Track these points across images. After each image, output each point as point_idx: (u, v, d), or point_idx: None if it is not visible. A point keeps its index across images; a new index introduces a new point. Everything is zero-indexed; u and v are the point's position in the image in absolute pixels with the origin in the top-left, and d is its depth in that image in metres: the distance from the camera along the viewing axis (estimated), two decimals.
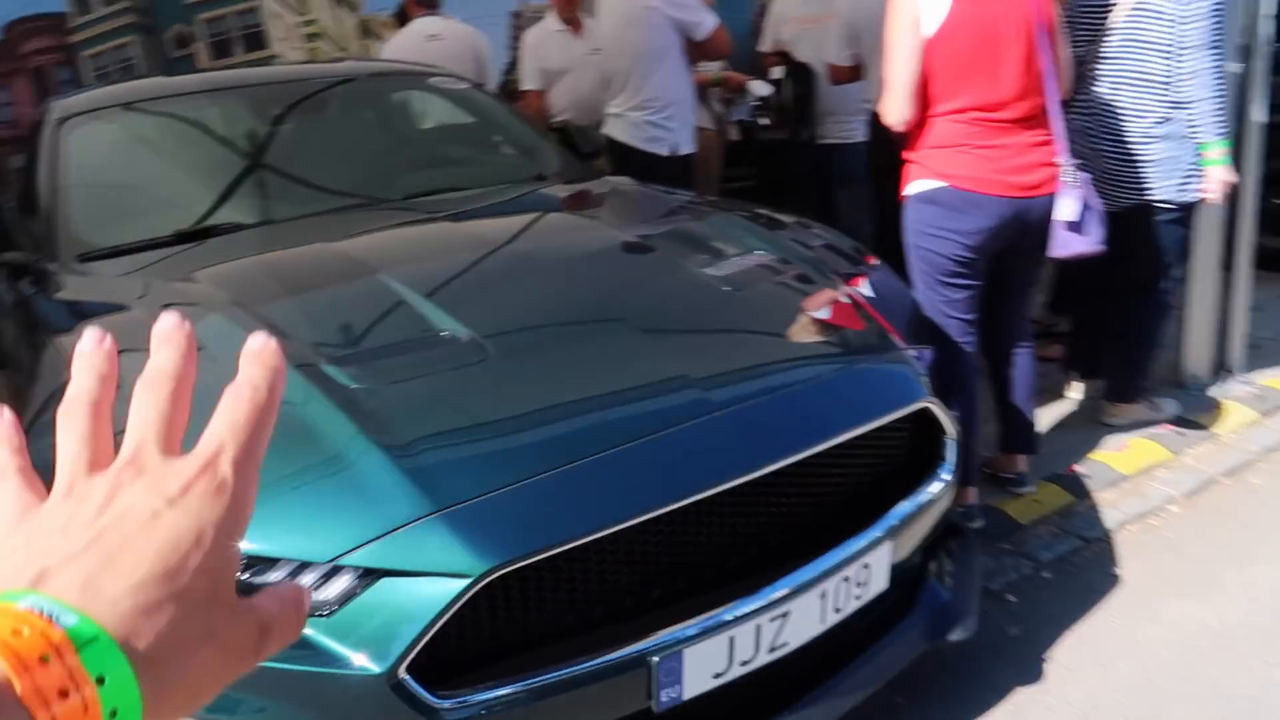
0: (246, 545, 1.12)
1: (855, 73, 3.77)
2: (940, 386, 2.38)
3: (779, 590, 1.59)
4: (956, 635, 1.94)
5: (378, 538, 1.38)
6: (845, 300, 2.03)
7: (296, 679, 1.35)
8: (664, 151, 3.87)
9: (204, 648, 0.36)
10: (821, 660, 1.77)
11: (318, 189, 2.79)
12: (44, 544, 0.36)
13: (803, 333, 1.95)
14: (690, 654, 1.51)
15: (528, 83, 4.31)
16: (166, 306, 1.84)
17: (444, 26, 5.07)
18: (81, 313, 2.11)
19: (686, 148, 3.92)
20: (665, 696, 1.51)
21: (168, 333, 0.42)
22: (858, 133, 3.92)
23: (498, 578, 1.38)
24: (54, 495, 0.39)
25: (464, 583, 1.35)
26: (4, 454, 0.41)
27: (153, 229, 2.51)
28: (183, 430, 0.40)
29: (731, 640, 1.55)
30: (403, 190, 2.84)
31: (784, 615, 1.60)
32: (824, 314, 1.99)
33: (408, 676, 1.35)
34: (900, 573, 1.90)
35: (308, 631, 1.36)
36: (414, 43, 5.08)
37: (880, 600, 1.86)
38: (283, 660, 1.35)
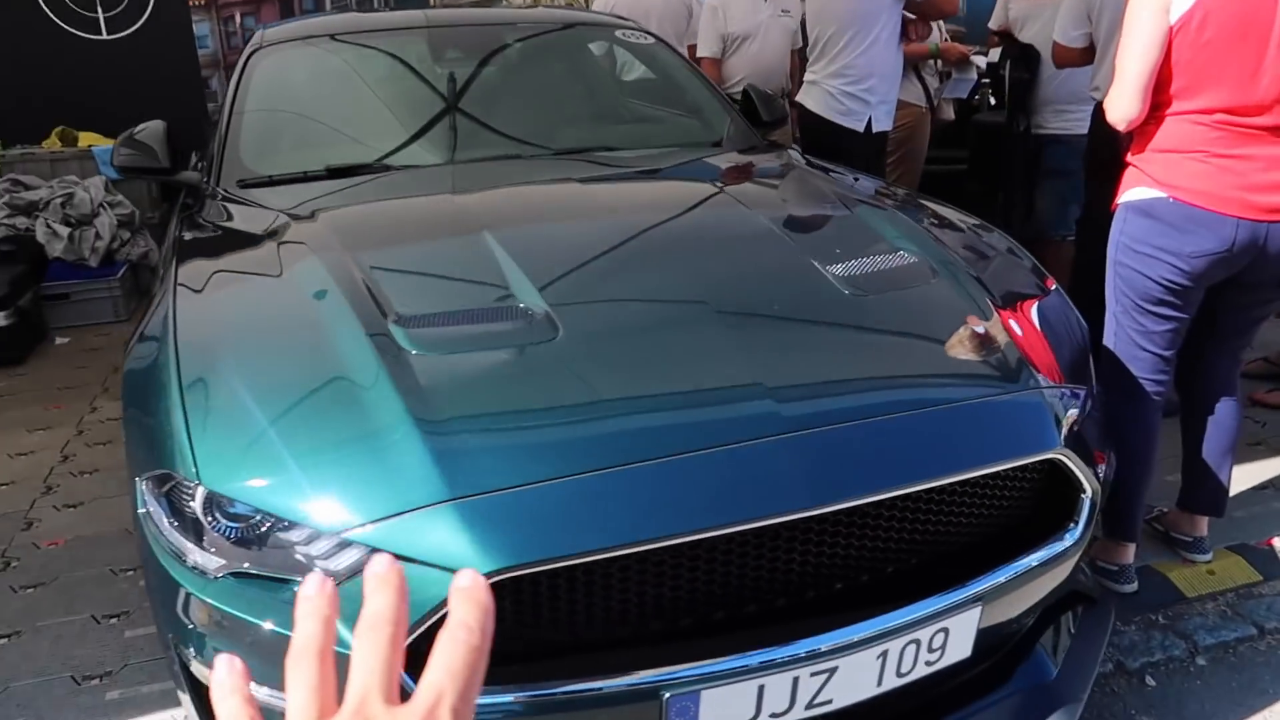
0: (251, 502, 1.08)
1: (1085, 56, 3.31)
2: (1113, 425, 2.07)
3: (824, 643, 1.40)
4: (1060, 718, 1.68)
5: (388, 518, 1.32)
6: (984, 325, 1.75)
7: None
8: (857, 127, 3.61)
9: None
10: None
11: (473, 137, 2.77)
12: None
13: (919, 354, 1.71)
14: (709, 695, 1.36)
15: (705, 49, 4.10)
16: (280, 245, 1.88)
17: None
18: (206, 241, 2.19)
19: (883, 124, 3.64)
20: None
21: (383, 575, 0.44)
22: (1078, 125, 3.47)
23: (508, 580, 1.30)
24: None
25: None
26: (235, 704, 0.43)
27: (307, 162, 2.58)
28: (399, 678, 0.42)
29: (761, 688, 1.39)
30: (562, 144, 2.78)
31: (830, 671, 1.42)
32: (956, 337, 1.73)
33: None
34: (995, 638, 1.66)
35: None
36: None
37: (966, 665, 1.64)
38: (277, 623, 1.33)
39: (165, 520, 1.46)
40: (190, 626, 1.45)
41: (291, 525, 1.36)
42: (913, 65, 4.31)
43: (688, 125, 3.13)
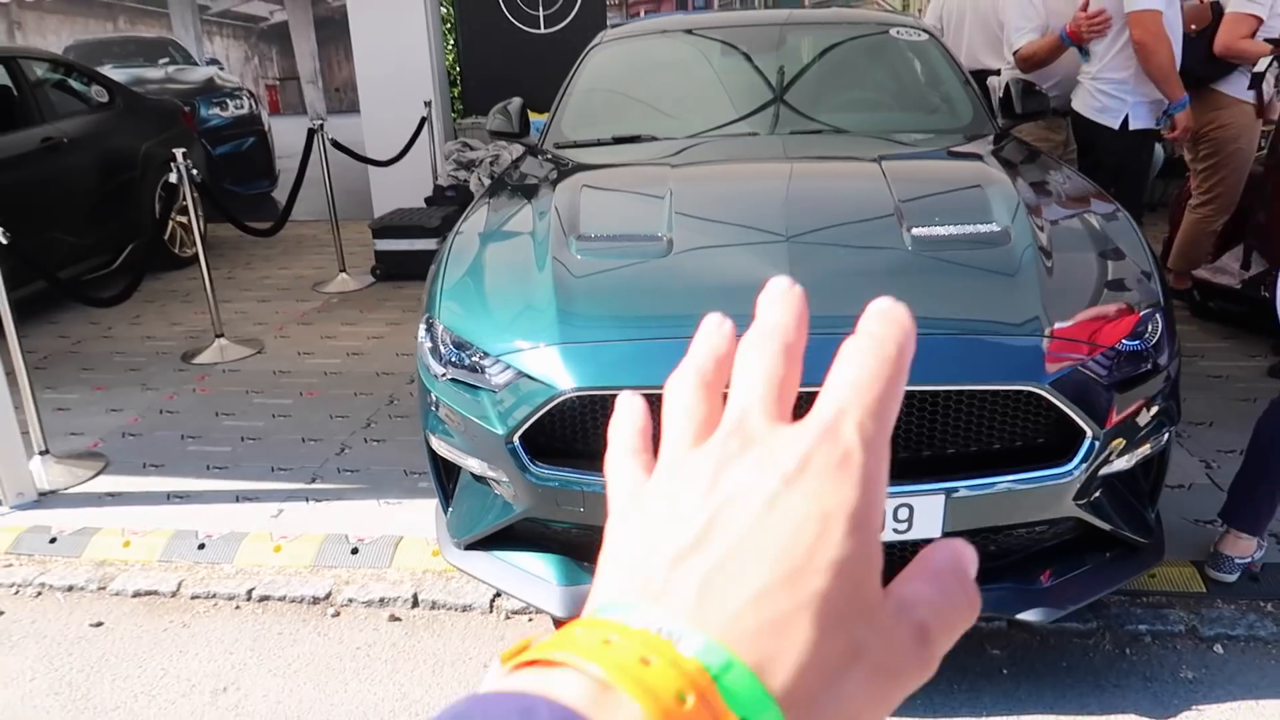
0: (458, 333, 1.96)
1: None
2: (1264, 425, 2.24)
3: None
4: (1028, 616, 2.01)
5: (526, 348, 2.10)
6: (1016, 284, 2.09)
7: (472, 424, 2.16)
8: (1112, 124, 3.68)
9: (852, 671, 0.28)
10: None
11: (729, 113, 3.44)
12: (649, 536, 0.30)
13: (947, 295, 2.10)
14: None
15: (1017, 38, 4.12)
16: (542, 184, 2.75)
17: None
18: (511, 179, 3.14)
19: (1140, 122, 3.66)
20: None
21: (779, 293, 0.35)
22: None
23: (589, 397, 2.01)
24: (657, 471, 0.34)
25: (553, 392, 2.00)
26: (630, 434, 0.38)
27: (601, 132, 3.44)
28: (794, 394, 0.33)
29: None
30: (806, 125, 3.35)
31: None
32: (986, 289, 2.10)
33: (517, 444, 2.07)
34: (992, 538, 2.04)
35: (483, 394, 2.14)
36: None
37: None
38: (468, 410, 2.17)
39: (425, 345, 2.38)
40: (430, 411, 2.35)
41: (474, 348, 2.20)
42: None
43: (933, 113, 3.52)
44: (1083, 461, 1.97)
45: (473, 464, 2.23)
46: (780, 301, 0.35)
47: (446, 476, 2.40)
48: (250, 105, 7.92)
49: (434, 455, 2.40)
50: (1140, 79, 3.64)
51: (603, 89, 3.76)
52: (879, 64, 3.78)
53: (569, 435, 2.09)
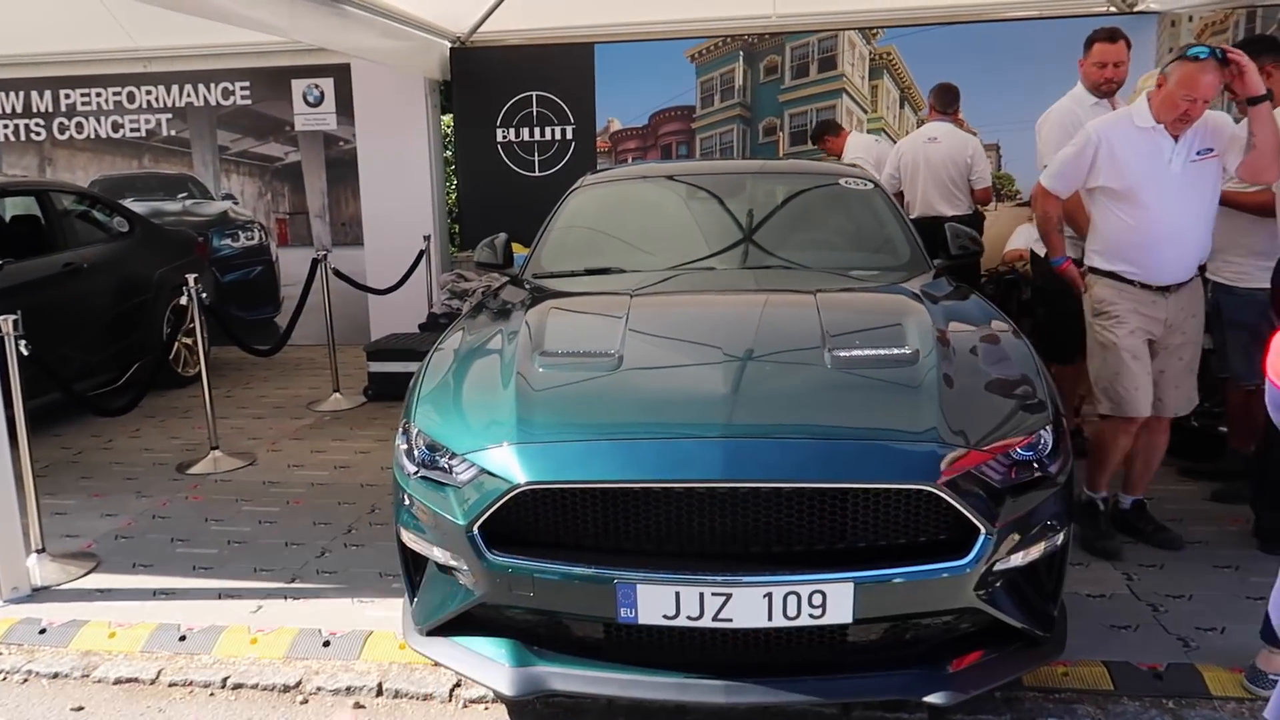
0: (431, 435, 2.22)
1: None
2: None
3: (719, 576, 2.16)
4: (934, 699, 2.20)
5: (489, 448, 2.36)
6: (917, 398, 2.39)
7: (438, 516, 2.40)
8: (1041, 253, 4.11)
9: None
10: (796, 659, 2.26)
11: (697, 251, 3.80)
12: None
13: (856, 406, 2.39)
14: (643, 589, 2.19)
15: (1054, 179, 3.65)
16: (515, 309, 3.07)
17: (945, 131, 5.78)
18: (489, 303, 3.48)
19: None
20: (623, 614, 2.22)
21: None
22: (1252, 279, 3.62)
23: (540, 491, 2.26)
24: None
25: (509, 485, 2.26)
26: None
27: (575, 264, 3.81)
28: None
29: (677, 595, 2.18)
30: (755, 260, 3.72)
31: (725, 596, 2.16)
32: (890, 402, 2.40)
33: (476, 533, 2.31)
34: (899, 623, 2.25)
35: (449, 490, 2.40)
36: (916, 142, 5.90)
37: (873, 646, 2.26)
38: (434, 504, 2.41)
39: (401, 447, 2.64)
40: (402, 506, 2.58)
41: (445, 449, 2.46)
42: None
43: (875, 253, 3.90)
44: (978, 557, 2.20)
45: (437, 554, 2.45)
46: None
47: (414, 569, 2.62)
48: (260, 237, 8.41)
49: (403, 549, 2.62)
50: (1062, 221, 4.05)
51: (580, 226, 4.15)
52: (830, 209, 4.19)
53: (523, 526, 2.33)
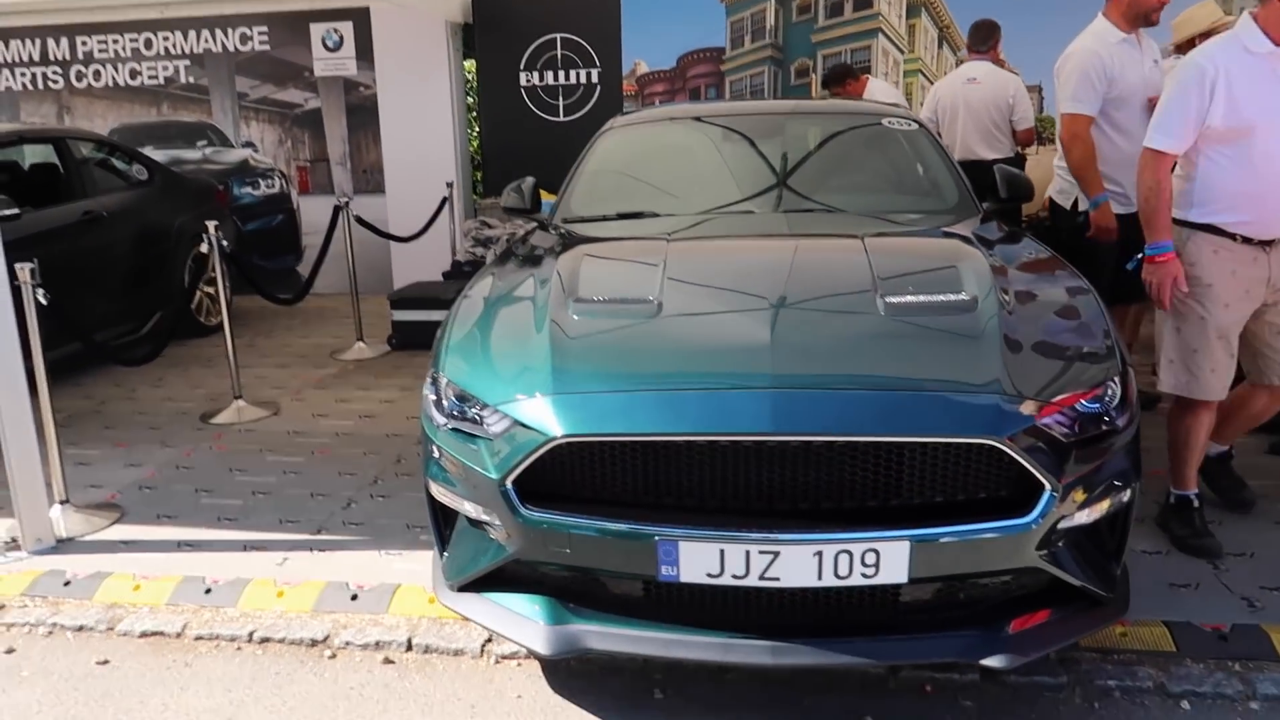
0: (460, 385, 2.10)
1: None
2: None
3: (767, 534, 2.04)
4: (991, 662, 2.09)
5: (522, 399, 2.24)
6: (979, 347, 2.24)
7: (469, 470, 2.29)
8: (1065, 204, 3.95)
9: None
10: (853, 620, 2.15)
11: (733, 194, 3.64)
12: None
13: (913, 356, 2.24)
14: (685, 546, 2.08)
15: (1077, 102, 3.74)
16: (545, 255, 2.94)
17: (985, 72, 5.54)
18: (517, 249, 3.34)
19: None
20: (664, 571, 2.11)
21: None
22: None
23: (578, 444, 2.14)
24: None
25: (545, 438, 2.14)
26: None
27: (606, 208, 3.65)
28: None
29: (722, 552, 2.07)
30: (796, 204, 3.56)
31: (774, 554, 2.05)
32: (950, 350, 2.25)
33: (510, 487, 2.20)
34: (957, 584, 2.14)
35: (481, 442, 2.28)
36: (954, 83, 5.66)
37: (927, 605, 2.15)
38: (465, 456, 2.30)
39: (430, 397, 2.53)
40: (431, 459, 2.48)
41: (475, 400, 2.35)
42: None
43: (922, 196, 3.72)
44: (1042, 514, 2.07)
45: (468, 508, 2.35)
46: None
47: (444, 523, 2.52)
48: (281, 185, 8.28)
49: (433, 502, 2.52)
50: None
51: (611, 170, 3.99)
52: (872, 151, 4.00)
53: (558, 480, 2.21)
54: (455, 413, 2.40)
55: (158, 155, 8.03)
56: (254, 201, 8.26)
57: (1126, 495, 2.27)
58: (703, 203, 3.60)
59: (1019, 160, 5.63)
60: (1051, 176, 4.23)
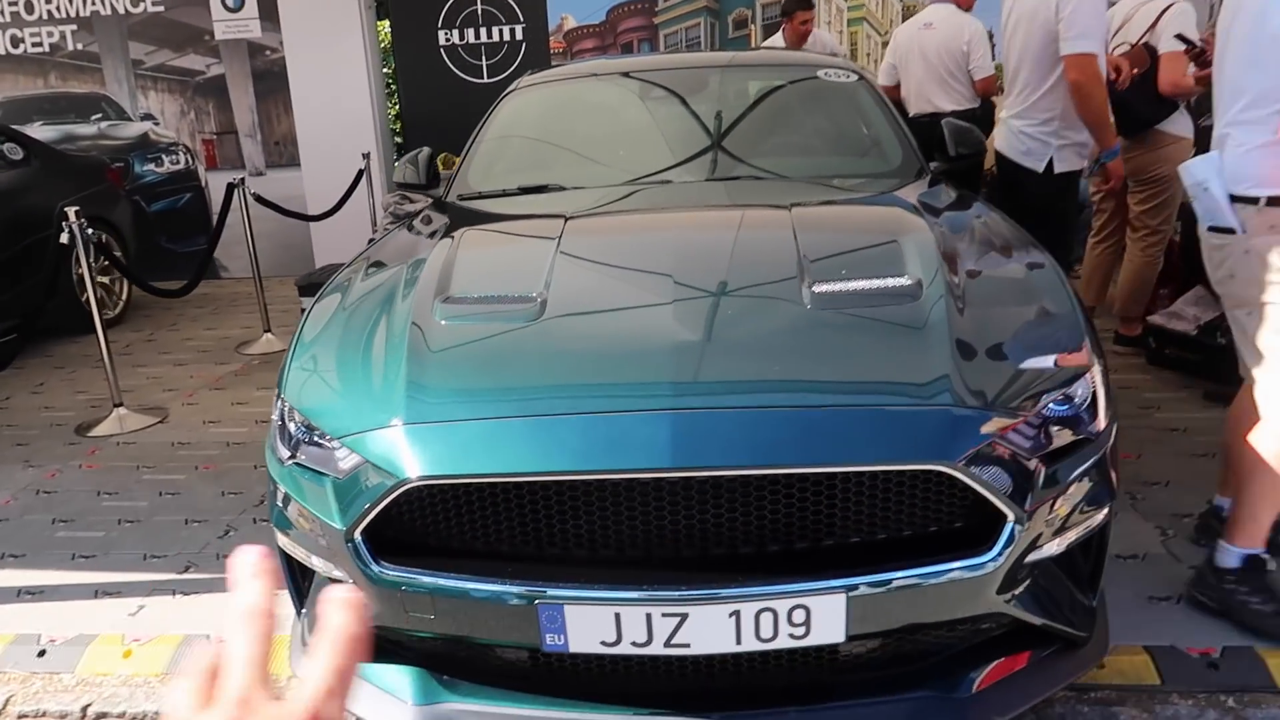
0: (303, 413, 1.63)
1: None
2: None
3: (671, 591, 1.65)
4: None
5: (368, 430, 1.82)
6: (927, 345, 1.85)
7: (313, 518, 1.87)
8: (1036, 167, 3.51)
9: None
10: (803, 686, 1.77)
11: (649, 161, 3.21)
12: None
13: (844, 361, 1.85)
14: (572, 611, 1.68)
15: (1088, 40, 3.36)
16: (424, 240, 2.48)
17: (942, 16, 5.12)
18: (394, 234, 2.89)
19: (1065, 165, 3.50)
20: (549, 641, 1.71)
21: (257, 564, 0.45)
22: None
23: (435, 487, 1.73)
24: None
25: (394, 482, 1.72)
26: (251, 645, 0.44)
27: (507, 181, 3.21)
28: (269, 670, 0.44)
29: (617, 616, 1.67)
30: (723, 171, 3.14)
31: (680, 616, 1.66)
32: (892, 351, 1.85)
33: (359, 539, 1.78)
34: (907, 639, 1.77)
35: (328, 482, 1.85)
36: (911, 29, 5.24)
37: (877, 660, 1.78)
38: (309, 501, 1.88)
39: (275, 424, 2.09)
40: (275, 502, 2.05)
41: (319, 431, 1.92)
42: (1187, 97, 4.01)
43: (861, 157, 3.31)
44: (1004, 550, 1.70)
45: (317, 563, 1.93)
46: (261, 574, 0.46)
47: (301, 574, 2.11)
48: (186, 160, 7.67)
49: (284, 552, 2.10)
50: (1067, 122, 3.47)
51: (516, 135, 3.53)
52: (806, 107, 3.58)
53: (420, 530, 1.80)
54: (305, 442, 1.97)
55: (49, 131, 7.39)
56: (158, 179, 7.64)
57: (1103, 513, 1.90)
58: (620, 172, 3.16)
59: (983, 112, 5.23)
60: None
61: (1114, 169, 3.58)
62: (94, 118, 7.66)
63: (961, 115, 4.46)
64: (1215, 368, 3.82)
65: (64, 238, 4.13)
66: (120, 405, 4.27)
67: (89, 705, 2.33)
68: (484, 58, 7.16)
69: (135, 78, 7.57)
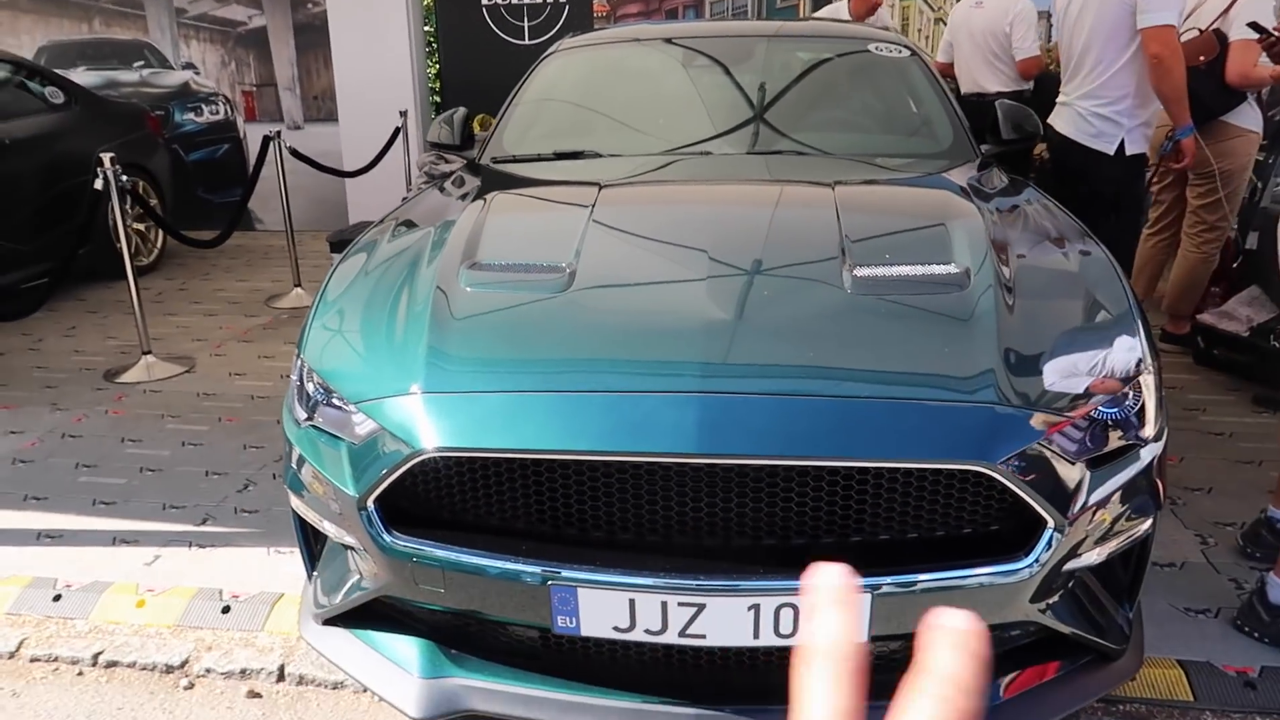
0: (322, 375, 1.57)
1: None
2: None
3: (690, 579, 1.59)
4: None
5: (386, 396, 1.76)
6: (972, 338, 1.76)
7: (327, 483, 1.83)
8: (1108, 149, 3.36)
9: None
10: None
11: (690, 131, 3.11)
12: None
13: (884, 351, 1.76)
14: (585, 594, 1.62)
15: (1169, 11, 3.24)
16: (455, 203, 2.41)
17: None
18: (426, 195, 2.82)
19: (1136, 147, 3.36)
20: (561, 623, 1.66)
21: (839, 590, 0.38)
22: None
23: (453, 459, 1.67)
24: None
25: (410, 452, 1.67)
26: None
27: (543, 146, 3.13)
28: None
29: (632, 603, 1.61)
30: (767, 145, 3.04)
31: (698, 606, 1.60)
32: (933, 343, 1.76)
33: (372, 508, 1.74)
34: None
35: (344, 447, 1.81)
36: (964, 7, 5.08)
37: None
38: (323, 465, 1.83)
39: (294, 384, 2.05)
40: (290, 465, 2.01)
41: (337, 394, 1.87)
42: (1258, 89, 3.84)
43: (910, 136, 3.20)
44: (1041, 556, 1.62)
45: (329, 528, 1.89)
46: (834, 613, 0.39)
47: (314, 537, 2.07)
48: (226, 111, 7.66)
49: (298, 514, 2.07)
50: (1141, 101, 3.34)
51: (555, 100, 3.45)
52: (855, 81, 3.46)
53: (435, 502, 1.75)
54: (324, 404, 1.92)
55: (91, 77, 7.40)
56: (197, 129, 7.64)
57: (1147, 524, 1.81)
58: (658, 141, 3.07)
59: (1031, 95, 5.07)
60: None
61: (1188, 146, 3.49)
62: (136, 65, 7.66)
63: (1009, 97, 4.33)
64: (1266, 371, 3.68)
65: (98, 184, 4.10)
66: (149, 353, 4.27)
67: (100, 653, 2.33)
68: (526, 19, 7.05)
69: (178, 26, 7.55)
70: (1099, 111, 3.38)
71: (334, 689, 2.22)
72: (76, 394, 4.04)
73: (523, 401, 1.70)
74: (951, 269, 1.96)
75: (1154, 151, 3.69)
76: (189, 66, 7.62)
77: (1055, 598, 1.70)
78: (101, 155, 4.11)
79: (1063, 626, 1.71)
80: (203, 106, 7.63)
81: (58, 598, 2.54)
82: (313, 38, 7.39)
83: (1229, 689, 2.10)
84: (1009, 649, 1.78)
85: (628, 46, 3.66)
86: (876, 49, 3.46)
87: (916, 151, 3.08)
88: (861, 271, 1.94)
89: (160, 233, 6.19)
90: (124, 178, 4.15)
